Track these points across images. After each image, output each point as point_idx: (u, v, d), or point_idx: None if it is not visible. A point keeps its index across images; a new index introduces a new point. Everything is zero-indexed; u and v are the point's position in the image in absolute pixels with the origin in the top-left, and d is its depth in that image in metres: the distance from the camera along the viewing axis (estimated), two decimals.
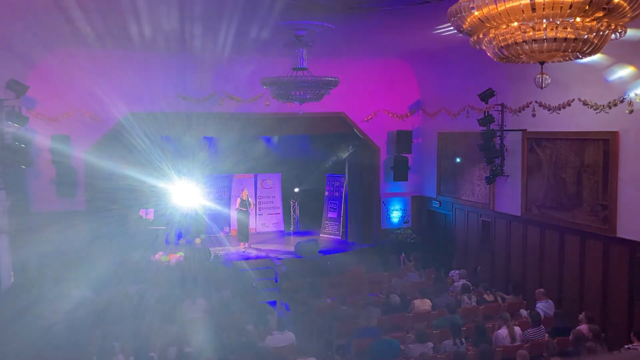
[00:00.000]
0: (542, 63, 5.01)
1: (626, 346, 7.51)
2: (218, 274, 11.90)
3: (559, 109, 10.25)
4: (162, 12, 8.24)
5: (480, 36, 4.87)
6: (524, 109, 11.15)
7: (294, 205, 17.03)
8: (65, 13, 8.18)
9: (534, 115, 10.32)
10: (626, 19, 4.48)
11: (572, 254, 10.15)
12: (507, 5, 4.31)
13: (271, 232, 16.79)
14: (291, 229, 17.01)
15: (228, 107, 13.33)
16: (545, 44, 4.51)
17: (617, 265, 9.25)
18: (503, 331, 7.93)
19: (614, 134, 9.19)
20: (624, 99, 8.87)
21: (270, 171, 17.14)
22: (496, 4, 4.33)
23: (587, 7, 4.17)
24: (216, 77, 13.00)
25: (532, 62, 5.05)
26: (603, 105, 9.30)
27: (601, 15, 4.31)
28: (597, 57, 8.47)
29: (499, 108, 11.72)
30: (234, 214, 16.09)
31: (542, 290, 9.49)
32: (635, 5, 4.26)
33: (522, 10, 4.30)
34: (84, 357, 7.64)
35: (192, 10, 8.14)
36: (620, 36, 4.73)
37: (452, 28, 5.97)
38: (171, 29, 9.34)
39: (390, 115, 14.87)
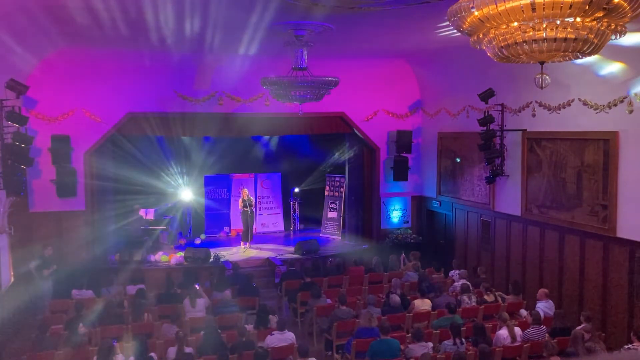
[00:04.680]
0: (542, 63, 5.00)
1: (626, 346, 7.51)
2: (218, 274, 11.92)
3: (559, 109, 10.26)
4: (161, 12, 8.25)
5: (480, 36, 4.87)
6: (524, 109, 11.15)
7: (294, 205, 17.03)
8: (65, 13, 8.19)
9: (534, 115, 10.32)
10: (626, 19, 4.48)
11: (572, 254, 10.15)
12: (507, 5, 4.30)
13: (271, 232, 16.79)
14: (291, 229, 17.01)
15: (228, 107, 13.34)
16: (545, 44, 4.51)
17: (617, 265, 9.25)
18: (503, 332, 7.92)
19: (614, 134, 9.19)
20: (624, 99, 8.87)
21: (270, 171, 17.15)
22: (496, 4, 4.32)
23: (587, 7, 4.16)
24: (216, 77, 13.01)
25: (532, 62, 5.05)
26: (603, 105, 9.30)
27: (601, 15, 4.31)
28: (597, 58, 8.49)
29: (499, 108, 11.72)
30: (235, 214, 16.11)
31: (545, 290, 9.46)
32: (636, 5, 4.26)
33: (522, 10, 4.30)
34: (84, 357, 7.64)
35: (191, 9, 8.14)
36: (620, 36, 4.73)
37: (452, 28, 5.97)
38: (170, 28, 9.35)
39: (390, 115, 14.88)
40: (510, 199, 11.70)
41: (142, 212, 14.51)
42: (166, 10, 8.14)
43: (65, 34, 9.85)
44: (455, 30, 5.19)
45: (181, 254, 13.21)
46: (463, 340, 7.76)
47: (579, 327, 7.85)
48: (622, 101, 8.93)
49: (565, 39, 4.46)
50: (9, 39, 9.00)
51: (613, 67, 8.96)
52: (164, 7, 7.93)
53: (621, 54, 8.54)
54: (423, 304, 9.42)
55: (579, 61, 7.25)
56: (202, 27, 9.27)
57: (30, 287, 10.69)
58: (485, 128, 11.76)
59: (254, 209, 15.24)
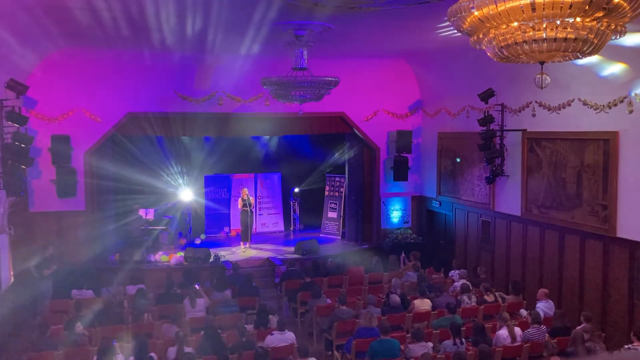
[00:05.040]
0: (542, 63, 5.00)
1: (626, 346, 7.51)
2: (218, 274, 11.92)
3: (559, 109, 10.26)
4: (162, 12, 8.25)
5: (480, 36, 4.87)
6: (524, 109, 11.15)
7: (294, 205, 17.03)
8: (66, 12, 8.19)
9: (534, 115, 10.33)
10: (626, 19, 4.48)
11: (572, 254, 10.15)
12: (507, 5, 4.30)
13: (271, 232, 16.78)
14: (291, 229, 17.01)
15: (228, 107, 13.34)
16: (545, 44, 4.51)
17: (617, 265, 9.25)
18: (504, 332, 7.92)
19: (614, 134, 9.19)
20: (624, 99, 8.87)
21: (270, 171, 17.15)
22: (496, 4, 4.32)
23: (587, 7, 4.16)
24: (216, 77, 13.01)
25: (532, 62, 5.05)
26: (603, 105, 9.30)
27: (601, 15, 4.31)
28: (597, 58, 8.48)
29: (499, 108, 11.72)
30: (234, 214, 16.10)
31: (545, 290, 9.47)
32: (636, 5, 4.26)
33: (522, 10, 4.30)
34: (83, 357, 7.64)
35: (192, 10, 8.14)
36: (620, 36, 4.73)
37: (452, 28, 5.97)
38: (171, 28, 9.34)
39: (390, 115, 14.88)
40: (510, 199, 11.70)
41: (142, 212, 14.51)
42: (167, 10, 8.14)
43: (65, 34, 9.85)
44: (455, 30, 5.19)
45: (181, 254, 13.21)
46: (463, 340, 7.76)
47: (579, 327, 7.85)
48: (622, 101, 8.93)
49: (565, 39, 4.46)
50: (9, 38, 9.00)
51: (613, 68, 8.95)
52: (165, 7, 7.93)
53: (621, 54, 8.54)
54: (423, 304, 9.42)
55: (579, 61, 7.26)
56: (203, 27, 9.27)
57: (30, 287, 10.69)
58: (485, 128, 11.76)
59: (253, 209, 15.23)
